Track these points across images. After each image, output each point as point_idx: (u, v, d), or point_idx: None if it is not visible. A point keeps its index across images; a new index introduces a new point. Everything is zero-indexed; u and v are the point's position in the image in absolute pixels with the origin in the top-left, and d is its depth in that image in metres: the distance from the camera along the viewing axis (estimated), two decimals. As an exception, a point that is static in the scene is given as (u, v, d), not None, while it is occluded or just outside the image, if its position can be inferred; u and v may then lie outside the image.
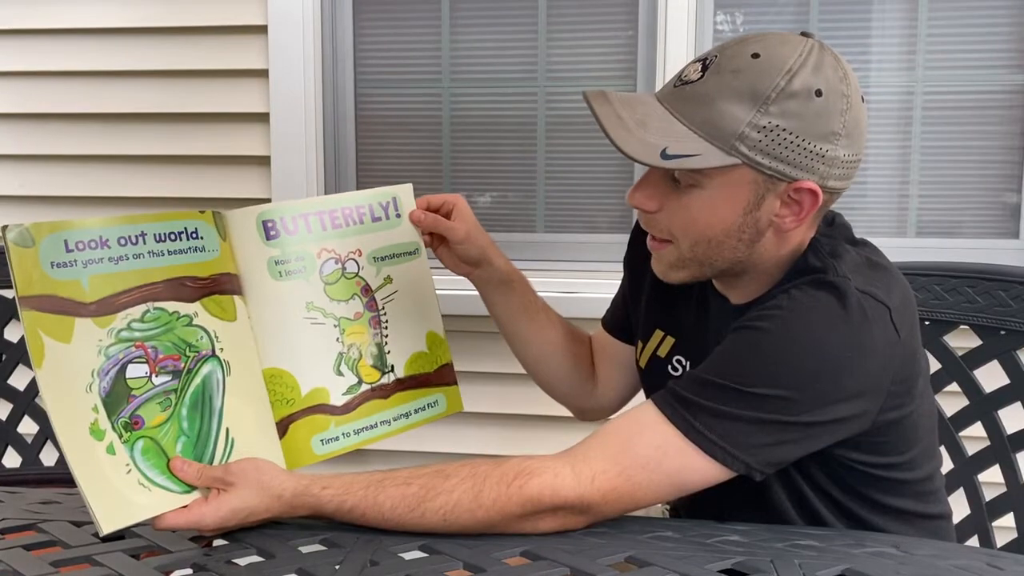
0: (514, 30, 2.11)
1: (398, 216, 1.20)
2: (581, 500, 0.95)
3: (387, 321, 1.18)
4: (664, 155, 0.95)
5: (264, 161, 2.09)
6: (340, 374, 1.13)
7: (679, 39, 1.98)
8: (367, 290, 1.17)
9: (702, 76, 0.97)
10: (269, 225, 1.09)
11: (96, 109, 2.14)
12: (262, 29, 2.06)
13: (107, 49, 2.12)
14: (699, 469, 0.96)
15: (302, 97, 2.06)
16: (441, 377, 1.23)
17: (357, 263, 1.16)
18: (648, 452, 0.96)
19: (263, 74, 2.07)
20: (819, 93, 0.95)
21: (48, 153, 2.17)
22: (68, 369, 0.91)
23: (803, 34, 0.99)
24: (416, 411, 1.20)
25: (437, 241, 1.23)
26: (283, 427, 1.08)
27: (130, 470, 0.94)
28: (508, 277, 1.27)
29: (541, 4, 2.08)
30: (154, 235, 0.99)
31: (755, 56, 0.96)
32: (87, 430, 0.92)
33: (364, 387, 1.15)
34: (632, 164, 2.08)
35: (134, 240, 0.97)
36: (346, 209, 1.16)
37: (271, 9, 2.04)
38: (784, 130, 0.95)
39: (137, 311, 0.97)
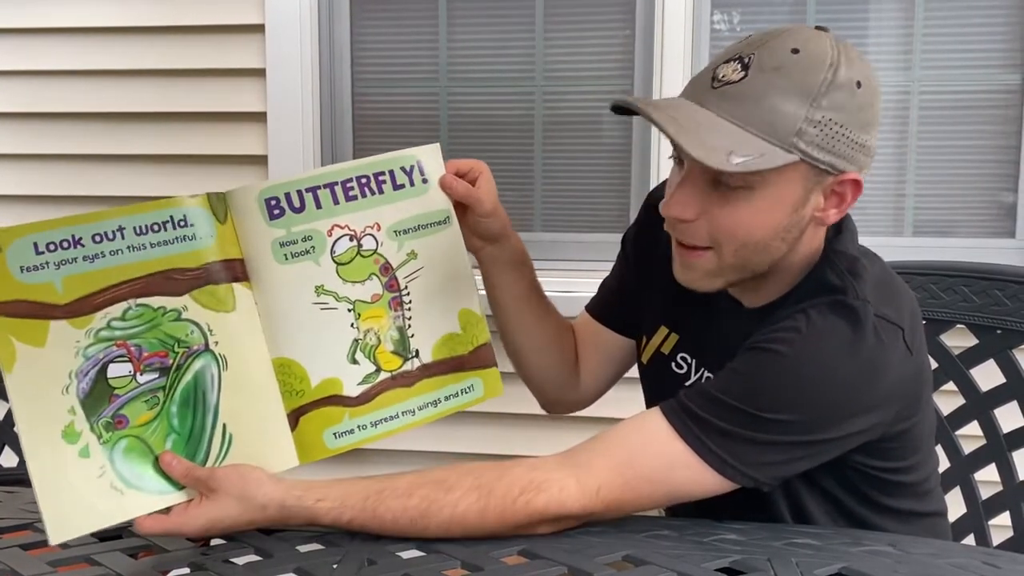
0: (511, 29, 2.11)
1: (424, 182, 1.08)
2: (584, 510, 0.95)
3: (410, 302, 1.08)
4: (731, 159, 0.92)
5: (261, 160, 2.09)
6: (355, 362, 1.05)
7: (676, 38, 1.98)
8: (387, 268, 1.07)
9: (745, 75, 0.95)
10: (272, 203, 1.01)
11: (93, 108, 2.13)
12: (259, 28, 2.05)
13: (104, 48, 2.11)
14: (705, 483, 0.96)
15: (299, 96, 2.06)
16: (478, 359, 1.11)
17: (375, 239, 1.06)
18: (654, 465, 0.96)
19: (260, 73, 2.07)
20: (859, 84, 0.96)
21: (45, 152, 2.17)
22: (41, 373, 0.89)
23: (818, 28, 0.99)
24: (447, 398, 1.09)
25: (456, 210, 1.11)
26: (294, 420, 1.02)
27: (103, 473, 0.91)
28: (522, 258, 1.21)
29: (538, 3, 2.08)
30: (133, 228, 0.95)
31: (795, 51, 0.95)
32: (59, 434, 0.90)
33: (383, 375, 1.06)
34: (629, 163, 2.08)
35: (111, 236, 0.93)
36: (362, 178, 1.04)
37: (268, 8, 2.04)
38: (836, 123, 0.95)
39: (117, 309, 0.93)
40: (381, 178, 1.06)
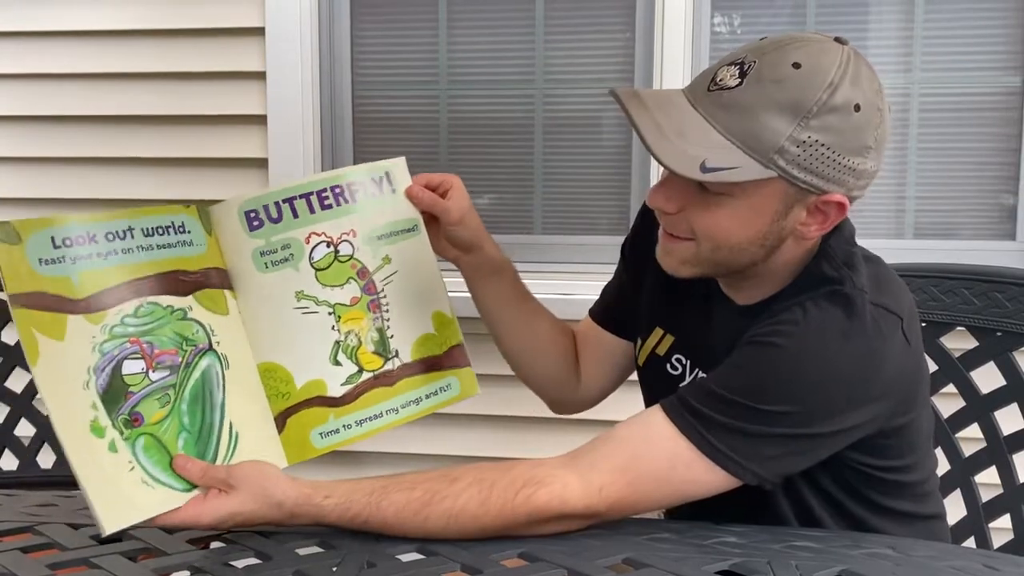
0: (511, 31, 2.11)
1: (393, 192, 1.14)
2: (588, 509, 0.95)
3: (388, 304, 1.13)
4: (704, 168, 0.93)
5: (261, 163, 2.09)
6: (338, 363, 1.09)
7: (676, 41, 1.98)
8: (364, 272, 1.11)
9: (741, 83, 0.95)
10: (251, 215, 1.06)
11: (93, 111, 2.14)
12: (259, 31, 2.06)
13: (104, 51, 2.11)
14: (708, 480, 0.96)
15: (299, 99, 2.06)
16: (452, 359, 1.17)
17: (352, 244, 1.10)
18: (657, 464, 0.96)
19: (260, 76, 2.07)
20: (857, 108, 0.95)
21: (45, 155, 2.17)
22: (64, 367, 0.90)
23: (837, 40, 0.98)
24: (427, 396, 1.14)
25: (429, 221, 1.17)
26: (281, 422, 1.06)
27: (133, 467, 0.93)
28: (499, 265, 1.24)
29: (538, 5, 2.08)
30: (142, 230, 0.98)
31: (796, 66, 0.94)
32: (88, 428, 0.91)
33: (365, 375, 1.10)
34: (629, 166, 2.08)
35: (122, 235, 0.96)
36: (336, 188, 1.10)
37: (268, 11, 2.04)
38: (823, 145, 0.94)
39: (130, 306, 0.95)
40: (354, 188, 1.11)
